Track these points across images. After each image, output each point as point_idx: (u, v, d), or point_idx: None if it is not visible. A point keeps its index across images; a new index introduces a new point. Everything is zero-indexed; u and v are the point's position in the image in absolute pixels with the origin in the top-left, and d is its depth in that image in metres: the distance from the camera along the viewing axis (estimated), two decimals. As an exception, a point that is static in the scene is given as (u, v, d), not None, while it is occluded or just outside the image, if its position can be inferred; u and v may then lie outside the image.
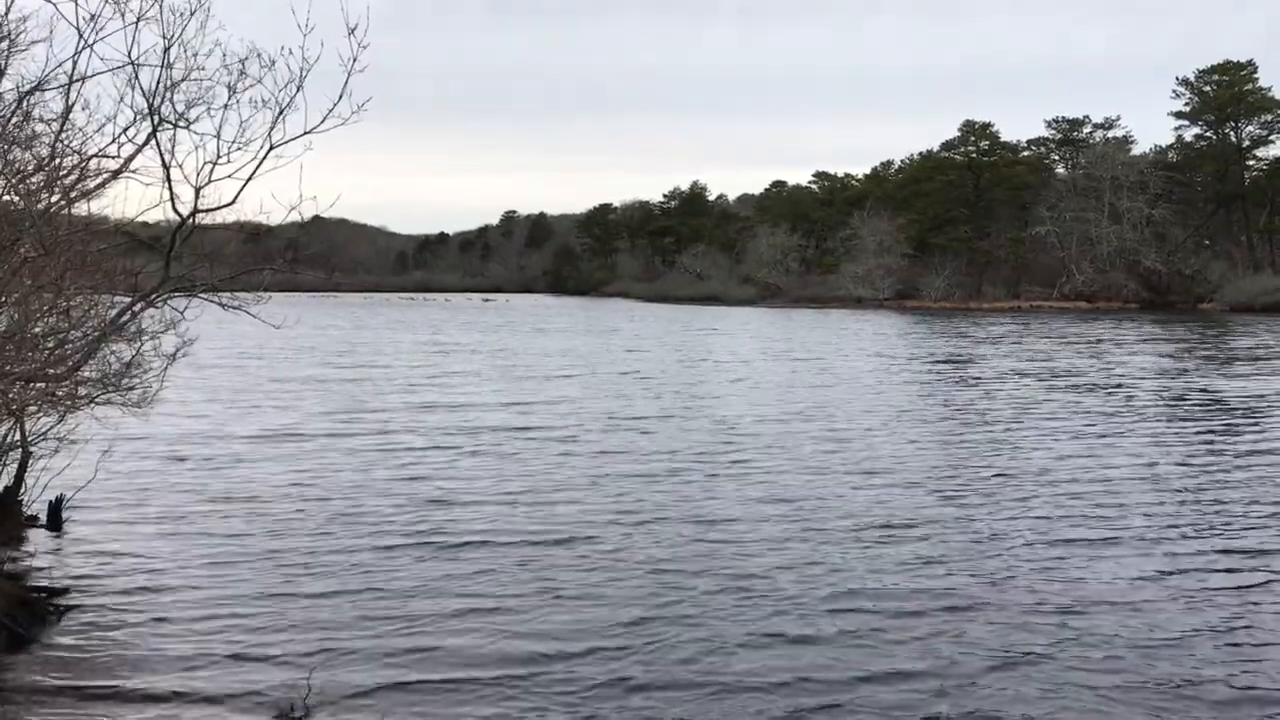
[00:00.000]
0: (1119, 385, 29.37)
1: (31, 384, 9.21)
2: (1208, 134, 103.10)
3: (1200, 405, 25.03)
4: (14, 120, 9.09)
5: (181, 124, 9.45)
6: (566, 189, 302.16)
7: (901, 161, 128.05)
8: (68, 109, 9.26)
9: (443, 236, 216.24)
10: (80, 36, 8.91)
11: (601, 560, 11.28)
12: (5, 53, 8.97)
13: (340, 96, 9.31)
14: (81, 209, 9.87)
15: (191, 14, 9.14)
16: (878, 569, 10.99)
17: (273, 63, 9.25)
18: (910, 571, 10.90)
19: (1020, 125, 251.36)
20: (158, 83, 9.31)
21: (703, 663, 8.44)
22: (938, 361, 38.34)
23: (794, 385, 29.93)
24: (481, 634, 9.05)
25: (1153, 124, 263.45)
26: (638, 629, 9.18)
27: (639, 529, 12.66)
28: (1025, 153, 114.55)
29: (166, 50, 9.19)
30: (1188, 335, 53.41)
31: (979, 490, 15.02)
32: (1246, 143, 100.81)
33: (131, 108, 9.33)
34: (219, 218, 9.97)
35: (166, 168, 9.53)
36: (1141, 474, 16.26)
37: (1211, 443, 19.42)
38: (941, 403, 25.49)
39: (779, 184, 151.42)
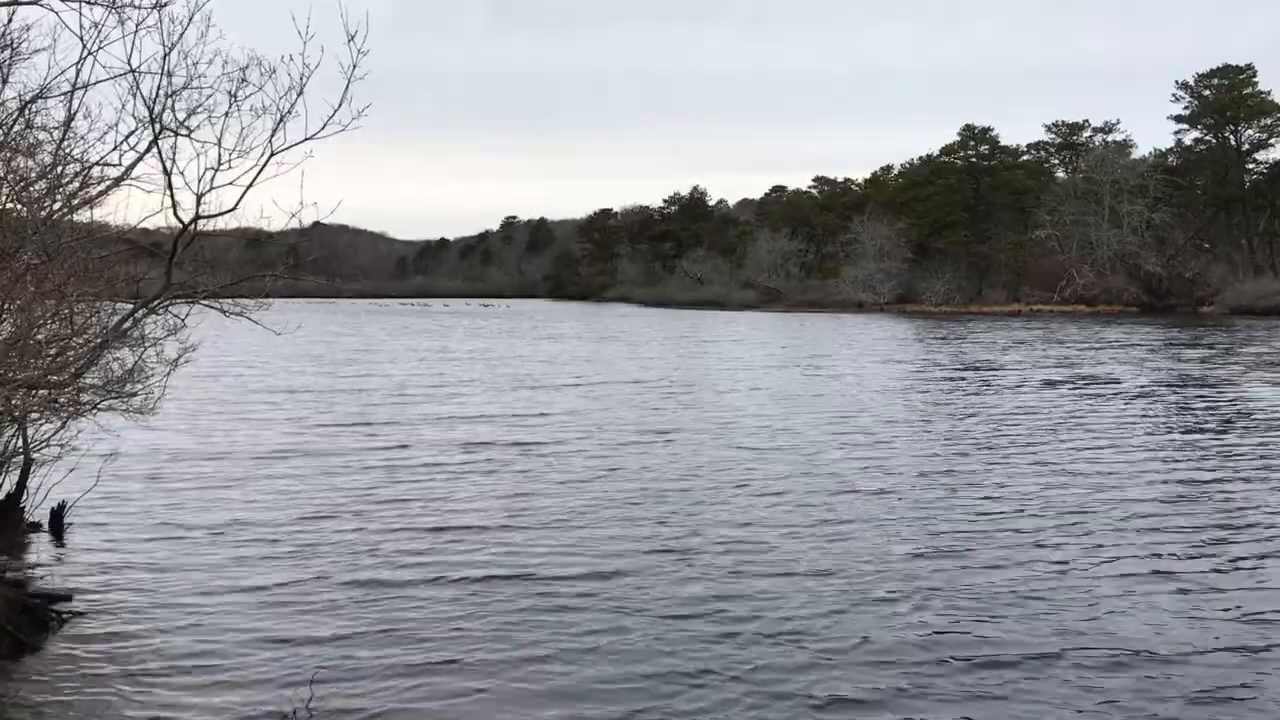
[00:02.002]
0: (1155, 394, 28.38)
1: (34, 390, 9.23)
2: (1207, 138, 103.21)
3: (1249, 414, 24.04)
4: (16, 128, 9.13)
5: (183, 131, 9.50)
6: (567, 194, 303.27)
7: (901, 166, 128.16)
8: (70, 117, 9.31)
9: (443, 242, 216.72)
10: (83, 45, 8.96)
11: (626, 596, 10.35)
12: (8, 61, 9.02)
13: (340, 103, 9.35)
14: (84, 216, 9.92)
15: (190, 20, 9.18)
16: (928, 609, 9.98)
17: (273, 70, 9.30)
18: (973, 616, 9.78)
19: (1020, 129, 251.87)
20: (159, 90, 9.36)
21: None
22: (963, 369, 37.12)
23: (818, 394, 28.73)
24: (489, 672, 8.41)
25: (1152, 128, 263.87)
26: (664, 680, 8.26)
27: (666, 561, 11.58)
28: (1025, 156, 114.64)
29: (166, 57, 9.24)
30: (1206, 339, 52.51)
31: (1033, 516, 13.74)
32: (1246, 146, 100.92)
33: (133, 115, 9.40)
34: (220, 224, 10.00)
35: (168, 175, 9.59)
36: (1207, 495, 15.06)
37: (1270, 456, 18.36)
38: (977, 414, 24.41)
39: (779, 188, 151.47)
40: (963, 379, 33.41)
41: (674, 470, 17.16)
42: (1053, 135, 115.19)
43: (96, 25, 8.91)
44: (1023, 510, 14.16)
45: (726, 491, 15.42)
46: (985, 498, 15.01)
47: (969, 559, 11.75)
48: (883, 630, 9.42)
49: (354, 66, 9.30)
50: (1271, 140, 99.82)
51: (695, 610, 9.95)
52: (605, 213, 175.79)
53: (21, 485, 12.18)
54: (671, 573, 11.19)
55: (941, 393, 29.41)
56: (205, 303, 10.22)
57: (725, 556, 11.82)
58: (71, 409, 10.50)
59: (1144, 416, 24.08)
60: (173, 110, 9.44)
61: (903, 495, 15.19)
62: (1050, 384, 31.34)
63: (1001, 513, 14.04)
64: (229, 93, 9.40)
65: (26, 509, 12.41)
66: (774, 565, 11.46)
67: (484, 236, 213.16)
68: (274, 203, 9.65)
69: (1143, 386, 30.51)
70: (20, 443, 11.68)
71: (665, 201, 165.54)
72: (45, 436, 11.76)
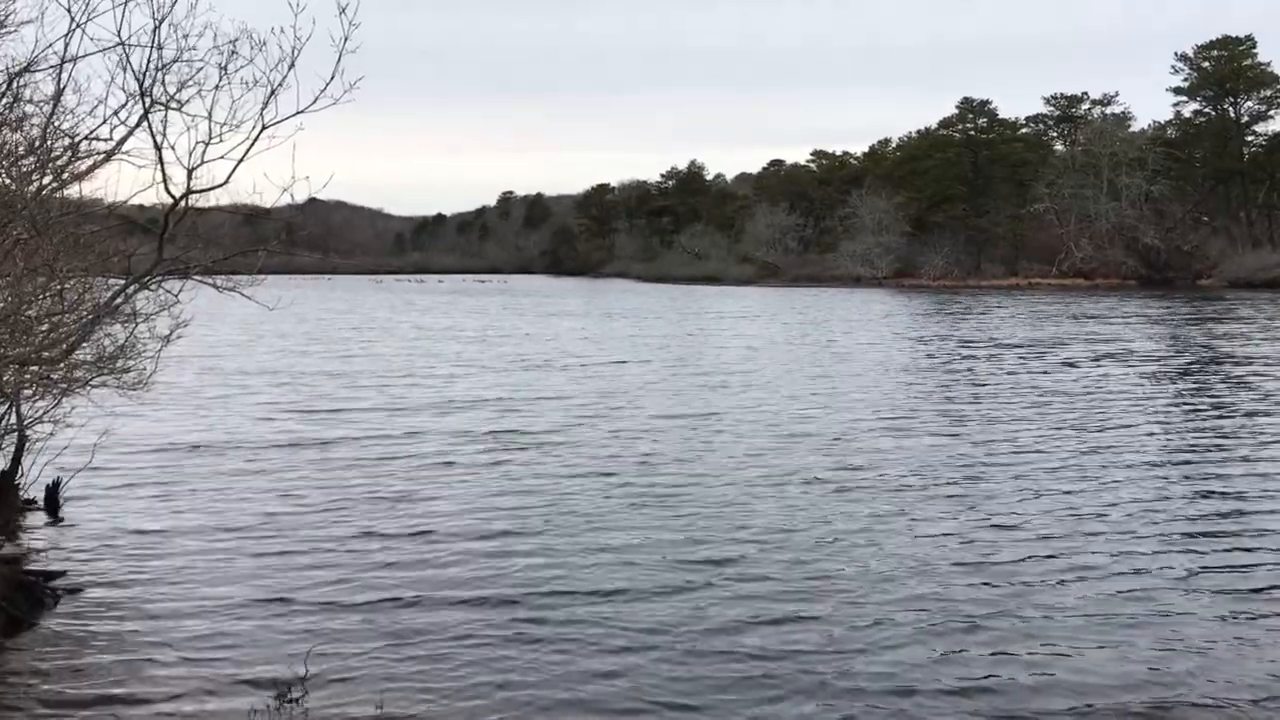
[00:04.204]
0: (1194, 373, 27.20)
1: (26, 367, 9.19)
2: (1206, 110, 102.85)
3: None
4: (4, 102, 9.04)
5: (173, 105, 9.38)
6: (564, 169, 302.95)
7: (899, 139, 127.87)
8: (59, 91, 9.20)
9: (440, 218, 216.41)
10: (70, 17, 8.85)
11: (650, 611, 9.23)
12: (-6, 34, 8.92)
13: (332, 76, 9.22)
14: (74, 191, 9.84)
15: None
16: (990, 633, 8.69)
17: (263, 42, 9.19)
18: (1041, 649, 8.36)
19: (1019, 102, 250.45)
20: (148, 64, 9.25)
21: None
22: (985, 345, 36.16)
23: (842, 375, 27.27)
24: (492, 682, 7.71)
25: (1151, 100, 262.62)
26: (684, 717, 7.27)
27: (697, 570, 10.36)
28: (1024, 129, 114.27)
29: (156, 30, 9.12)
30: (1223, 313, 51.62)
31: (1096, 519, 12.28)
32: (1245, 118, 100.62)
33: (123, 89, 9.27)
34: (212, 199, 9.91)
35: (159, 149, 9.46)
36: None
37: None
38: (1013, 396, 23.01)
39: (777, 163, 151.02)
40: (990, 356, 32.17)
41: (704, 463, 15.72)
42: (1051, 108, 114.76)
43: (84, -4, 8.80)
44: (1083, 512, 12.60)
45: (763, 487, 14.03)
46: (1042, 492, 13.64)
47: (1029, 573, 10.29)
48: (947, 662, 8.16)
49: (345, 39, 9.17)
50: (1271, 112, 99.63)
51: (729, 626, 8.84)
52: (603, 188, 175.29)
53: (16, 462, 12.14)
54: (703, 585, 9.90)
55: (972, 372, 28.03)
56: (198, 278, 10.15)
57: (764, 561, 10.67)
58: (65, 385, 10.47)
59: (1199, 394, 23.26)
60: (163, 84, 9.32)
61: (949, 492, 13.73)
62: (1083, 362, 30.28)
63: (1063, 512, 12.58)
64: (219, 65, 9.28)
65: (22, 486, 12.39)
66: (814, 575, 10.22)
67: (481, 212, 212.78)
68: (266, 177, 9.55)
69: (1186, 364, 29.48)
70: (14, 419, 11.64)
71: (663, 176, 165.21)
72: (39, 413, 11.73)
